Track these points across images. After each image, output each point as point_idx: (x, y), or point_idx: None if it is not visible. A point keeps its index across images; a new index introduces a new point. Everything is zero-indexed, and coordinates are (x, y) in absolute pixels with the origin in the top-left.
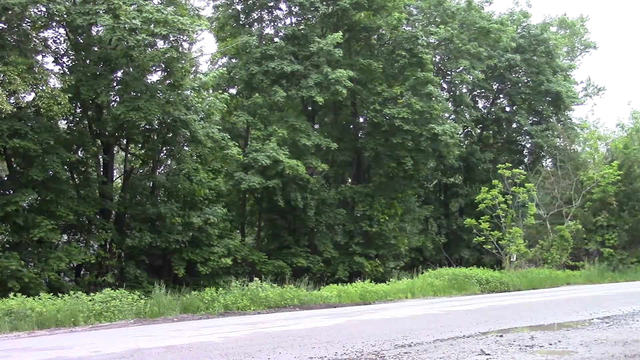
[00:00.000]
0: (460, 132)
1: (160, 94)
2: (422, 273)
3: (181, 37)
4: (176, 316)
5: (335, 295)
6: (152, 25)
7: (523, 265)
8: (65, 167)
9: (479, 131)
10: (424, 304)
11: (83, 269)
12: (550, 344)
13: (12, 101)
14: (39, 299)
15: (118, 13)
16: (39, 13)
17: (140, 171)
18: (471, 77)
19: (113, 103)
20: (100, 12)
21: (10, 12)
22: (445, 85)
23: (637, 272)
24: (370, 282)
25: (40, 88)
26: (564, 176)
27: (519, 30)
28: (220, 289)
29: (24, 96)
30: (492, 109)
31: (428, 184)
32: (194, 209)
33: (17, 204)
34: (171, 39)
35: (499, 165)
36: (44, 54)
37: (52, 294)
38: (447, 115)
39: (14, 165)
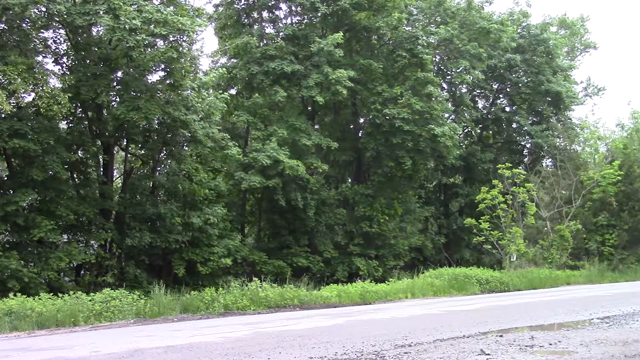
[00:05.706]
0: (460, 132)
1: (160, 94)
2: (422, 273)
3: (181, 37)
4: (176, 316)
5: (335, 295)
6: (152, 25)
7: (523, 265)
8: (65, 167)
9: (479, 131)
10: (424, 304)
11: (83, 269)
12: (550, 344)
13: (12, 101)
14: (39, 299)
15: (118, 13)
16: (39, 13)
17: (140, 171)
18: (471, 77)
19: (113, 103)
20: (100, 12)
21: (10, 12)
22: (445, 86)
23: (637, 272)
24: (370, 282)
25: (40, 88)
26: (564, 176)
27: (519, 30)
28: (220, 289)
29: (24, 96)
30: (492, 109)
31: (428, 184)
32: (194, 209)
33: (17, 204)
34: (171, 39)
35: (499, 165)
36: (44, 54)
37: (52, 294)
38: (447, 115)
39: (14, 165)
